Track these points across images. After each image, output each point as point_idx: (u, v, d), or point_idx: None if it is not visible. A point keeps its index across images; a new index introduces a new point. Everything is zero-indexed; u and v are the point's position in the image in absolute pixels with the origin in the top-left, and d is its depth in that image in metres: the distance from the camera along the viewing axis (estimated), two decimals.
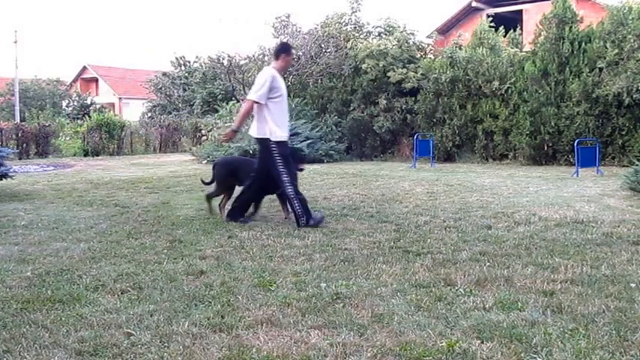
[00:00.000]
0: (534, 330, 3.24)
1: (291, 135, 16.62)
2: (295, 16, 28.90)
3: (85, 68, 51.37)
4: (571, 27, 13.77)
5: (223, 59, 18.49)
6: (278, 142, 6.32)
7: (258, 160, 6.66)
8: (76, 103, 38.25)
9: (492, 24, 16.97)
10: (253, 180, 6.61)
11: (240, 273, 4.44)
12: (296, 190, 6.39)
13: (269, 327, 3.35)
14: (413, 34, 17.51)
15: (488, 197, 8.29)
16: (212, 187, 7.16)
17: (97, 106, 35.85)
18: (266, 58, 18.06)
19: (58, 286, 4.13)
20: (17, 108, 36.65)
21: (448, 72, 15.45)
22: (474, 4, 24.35)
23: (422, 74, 16.19)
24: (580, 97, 13.31)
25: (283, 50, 6.67)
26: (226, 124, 16.53)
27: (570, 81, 13.54)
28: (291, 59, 7.24)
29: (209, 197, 7.04)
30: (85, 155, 20.13)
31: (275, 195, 6.96)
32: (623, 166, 12.00)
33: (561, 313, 3.50)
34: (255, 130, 6.44)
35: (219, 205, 7.00)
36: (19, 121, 29.42)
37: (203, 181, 7.70)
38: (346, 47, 17.21)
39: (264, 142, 6.38)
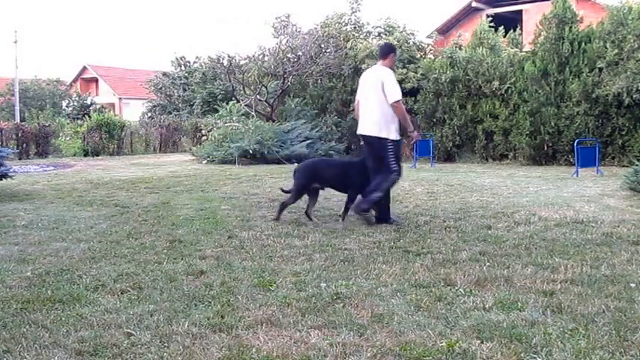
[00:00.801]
0: (534, 330, 3.24)
1: (287, 133, 16.60)
2: (295, 16, 29.00)
3: (85, 68, 51.36)
4: (571, 27, 13.77)
5: (223, 59, 18.47)
6: (394, 141, 6.40)
7: (372, 158, 6.50)
8: (76, 103, 38.21)
9: (492, 24, 17.00)
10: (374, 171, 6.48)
11: (240, 273, 4.44)
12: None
13: (269, 327, 3.35)
14: (413, 34, 17.55)
15: (488, 197, 8.29)
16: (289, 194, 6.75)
17: (97, 106, 35.81)
18: (266, 58, 18.08)
19: (58, 286, 4.13)
20: (17, 108, 36.66)
21: (448, 72, 15.45)
22: (473, 4, 24.36)
23: (422, 74, 16.21)
24: (580, 97, 13.31)
25: (392, 50, 6.77)
26: (226, 124, 16.54)
27: (570, 81, 13.54)
28: (395, 59, 7.28)
29: (284, 205, 6.65)
30: (85, 155, 20.12)
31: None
32: (623, 166, 12.01)
33: (561, 313, 3.50)
34: (371, 129, 6.43)
35: (306, 212, 6.60)
36: (19, 121, 29.41)
37: (283, 190, 7.21)
38: (346, 47, 17.22)
39: (380, 141, 6.39)
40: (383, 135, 6.37)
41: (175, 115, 25.88)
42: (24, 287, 4.14)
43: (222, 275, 4.37)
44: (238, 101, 18.10)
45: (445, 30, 24.57)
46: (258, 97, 17.87)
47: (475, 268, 4.45)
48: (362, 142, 6.89)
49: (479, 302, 3.69)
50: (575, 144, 11.96)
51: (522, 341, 3.09)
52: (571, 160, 12.96)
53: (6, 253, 5.15)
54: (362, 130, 6.59)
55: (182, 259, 4.90)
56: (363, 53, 16.65)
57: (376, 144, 6.42)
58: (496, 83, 14.79)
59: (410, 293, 3.89)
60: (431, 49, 18.22)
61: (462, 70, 15.41)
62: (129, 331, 3.30)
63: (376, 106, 6.37)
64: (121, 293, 3.98)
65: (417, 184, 9.96)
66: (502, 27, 17.80)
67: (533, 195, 8.46)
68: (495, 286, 4.05)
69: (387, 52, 6.69)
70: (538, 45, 14.35)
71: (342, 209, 6.60)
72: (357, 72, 17.00)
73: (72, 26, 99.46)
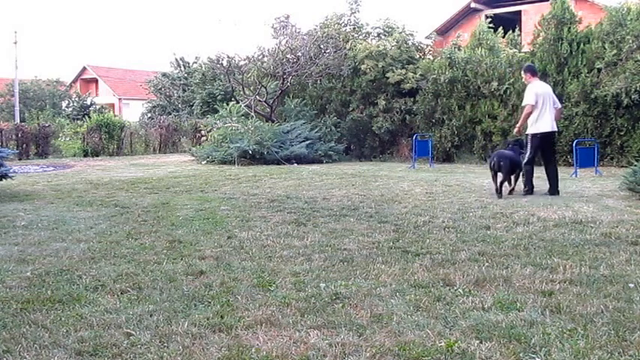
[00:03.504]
0: (533, 330, 3.25)
1: (286, 133, 16.56)
2: (294, 16, 29.01)
3: (84, 69, 51.35)
4: (570, 28, 13.78)
5: (223, 60, 18.46)
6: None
7: (552, 148, 9.11)
8: (75, 104, 38.21)
9: (491, 25, 16.98)
10: (550, 161, 8.85)
11: (239, 273, 4.45)
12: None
13: (268, 327, 3.36)
14: (412, 34, 17.54)
15: (487, 198, 8.30)
16: (501, 177, 8.44)
17: (97, 107, 35.82)
18: (265, 59, 18.08)
19: (58, 286, 4.14)
20: (17, 108, 36.62)
21: (447, 73, 15.46)
22: (473, 4, 24.34)
23: (421, 75, 16.20)
24: (579, 97, 13.32)
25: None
26: (226, 125, 16.54)
27: (569, 82, 13.55)
28: None
29: (502, 184, 8.41)
30: (85, 156, 20.12)
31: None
32: (622, 166, 12.01)
33: (560, 313, 3.51)
34: (555, 126, 8.75)
35: (496, 190, 8.33)
36: (18, 121, 29.40)
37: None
38: (345, 48, 17.22)
39: (554, 136, 9.02)
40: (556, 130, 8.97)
41: (175, 116, 25.90)
42: (24, 287, 4.15)
43: (221, 275, 4.38)
44: (238, 102, 18.09)
45: (444, 31, 24.57)
46: (257, 97, 17.87)
47: (474, 269, 4.47)
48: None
49: (478, 302, 3.70)
50: (574, 144, 11.98)
51: (521, 341, 3.11)
52: (570, 161, 12.96)
53: (6, 253, 5.16)
54: (554, 127, 8.75)
55: (182, 259, 4.91)
56: (362, 54, 16.65)
57: (552, 138, 8.93)
58: (495, 84, 14.80)
59: (409, 293, 3.90)
60: (430, 50, 18.21)
61: (460, 70, 15.42)
62: (129, 331, 3.31)
63: (554, 111, 8.69)
64: (121, 293, 3.99)
65: (415, 185, 9.97)
66: (501, 28, 17.78)
67: (532, 195, 8.47)
68: (494, 286, 4.06)
69: (536, 70, 9.19)
70: (537, 45, 14.36)
71: (513, 185, 8.60)
72: (357, 72, 17.02)
73: (72, 26, 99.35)
